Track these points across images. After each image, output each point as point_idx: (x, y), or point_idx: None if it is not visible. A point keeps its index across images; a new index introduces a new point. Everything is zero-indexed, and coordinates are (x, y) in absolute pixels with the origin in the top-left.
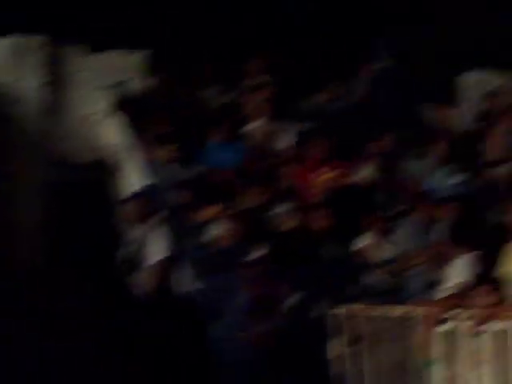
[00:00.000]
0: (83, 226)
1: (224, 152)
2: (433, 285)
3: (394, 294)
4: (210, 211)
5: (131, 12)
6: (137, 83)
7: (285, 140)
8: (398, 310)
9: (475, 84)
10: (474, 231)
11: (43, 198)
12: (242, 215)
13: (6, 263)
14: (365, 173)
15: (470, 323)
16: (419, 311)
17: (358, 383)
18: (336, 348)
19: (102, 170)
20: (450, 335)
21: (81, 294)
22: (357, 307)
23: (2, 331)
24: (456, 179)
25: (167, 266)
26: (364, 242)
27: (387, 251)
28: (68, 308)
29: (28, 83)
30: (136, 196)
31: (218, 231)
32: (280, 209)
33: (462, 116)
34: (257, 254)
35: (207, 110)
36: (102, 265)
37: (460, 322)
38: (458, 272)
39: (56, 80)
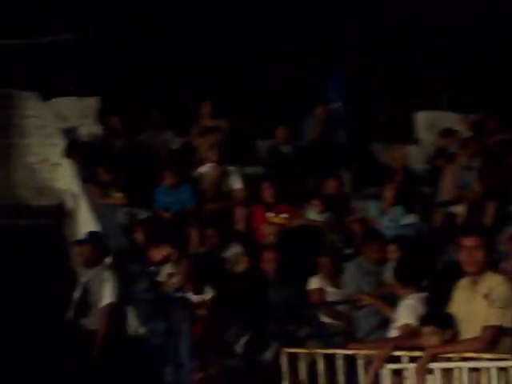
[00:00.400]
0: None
1: (174, 194)
2: (384, 324)
3: (345, 334)
4: (159, 253)
5: (80, 56)
6: (87, 129)
7: (235, 183)
8: (347, 350)
9: (429, 123)
10: (424, 271)
11: None
12: (191, 257)
13: None
14: (314, 214)
15: (418, 362)
16: (368, 351)
17: None
18: None
19: (54, 215)
20: (398, 374)
21: None
22: (308, 347)
23: None
24: (408, 219)
25: (116, 309)
26: (314, 283)
27: (338, 292)
28: None
29: None
30: (85, 240)
31: (167, 273)
32: (231, 250)
33: (416, 155)
34: (206, 295)
35: (158, 153)
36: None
37: (408, 361)
38: (407, 312)
39: (7, 126)
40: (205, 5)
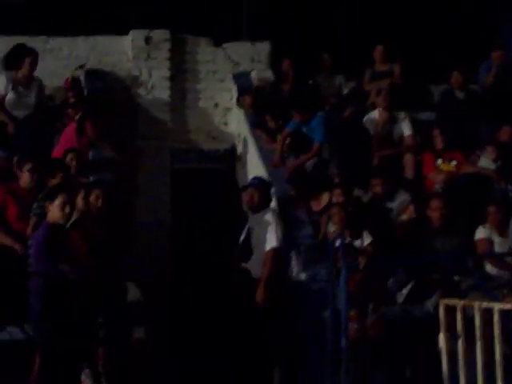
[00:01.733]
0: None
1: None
2: None
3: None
4: (322, 200)
5: (250, 3)
6: (258, 73)
7: (406, 129)
8: (505, 304)
9: None
10: None
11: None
12: (350, 205)
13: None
14: (487, 161)
15: None
16: None
17: (469, 377)
18: (447, 341)
19: (226, 159)
20: None
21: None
22: (471, 300)
23: None
24: None
25: (279, 254)
26: (482, 232)
27: (506, 242)
28: None
29: (156, 74)
30: (252, 185)
31: (329, 220)
32: (398, 198)
33: None
34: (365, 241)
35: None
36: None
37: None
38: None
39: (181, 71)
40: None
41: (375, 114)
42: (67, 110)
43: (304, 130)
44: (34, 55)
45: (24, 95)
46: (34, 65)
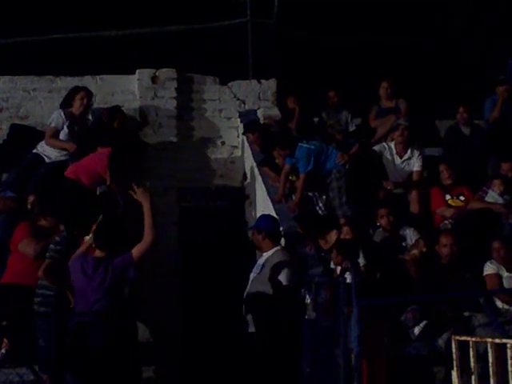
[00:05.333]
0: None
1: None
2: None
3: None
4: (330, 238)
5: (255, 42)
6: (265, 111)
7: (415, 165)
8: None
9: None
10: None
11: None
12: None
13: None
14: (494, 196)
15: None
16: None
17: None
18: (460, 378)
19: (234, 197)
20: None
21: None
22: (480, 335)
23: None
24: None
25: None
26: (490, 268)
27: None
28: None
29: (163, 113)
30: (258, 226)
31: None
32: (406, 233)
33: None
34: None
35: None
36: None
37: None
38: None
39: (187, 109)
40: None
41: (391, 146)
42: None
43: (293, 162)
44: (83, 91)
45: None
46: (84, 99)
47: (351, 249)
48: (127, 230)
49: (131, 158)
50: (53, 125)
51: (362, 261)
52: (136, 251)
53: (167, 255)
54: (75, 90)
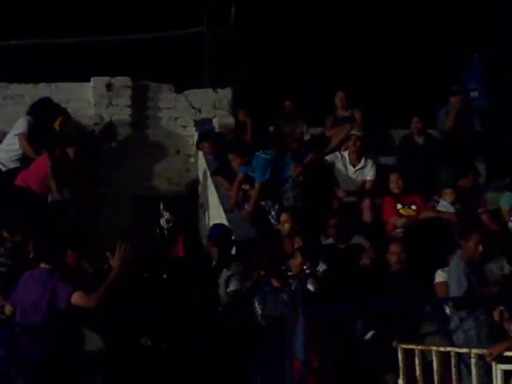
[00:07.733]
0: None
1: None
2: None
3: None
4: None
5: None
6: (220, 120)
7: (368, 174)
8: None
9: None
10: None
11: None
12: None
13: None
14: (446, 205)
15: None
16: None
17: None
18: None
19: (188, 206)
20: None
21: None
22: (428, 344)
23: None
24: None
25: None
26: (440, 276)
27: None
28: None
29: (118, 121)
30: (211, 237)
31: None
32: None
33: None
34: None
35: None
36: None
37: None
38: None
39: (143, 118)
40: None
41: (345, 155)
42: None
43: (247, 171)
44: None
45: None
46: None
47: (311, 254)
48: (72, 242)
49: (69, 152)
50: (25, 131)
51: (321, 266)
52: (77, 298)
53: None
54: (53, 112)
